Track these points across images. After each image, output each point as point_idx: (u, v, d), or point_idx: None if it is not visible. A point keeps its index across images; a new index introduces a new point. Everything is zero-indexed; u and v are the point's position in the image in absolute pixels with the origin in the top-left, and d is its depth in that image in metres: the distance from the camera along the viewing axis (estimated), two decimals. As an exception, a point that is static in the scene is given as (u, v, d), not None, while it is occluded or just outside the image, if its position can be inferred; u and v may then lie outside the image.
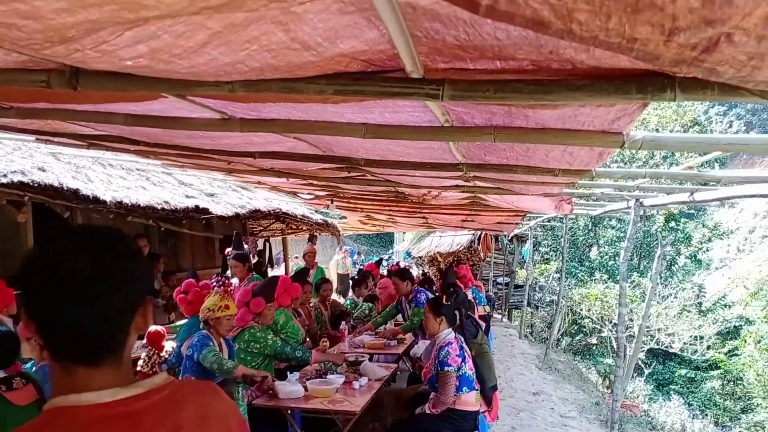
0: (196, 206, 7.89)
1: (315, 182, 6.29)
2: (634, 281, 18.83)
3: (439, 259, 19.68)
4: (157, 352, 5.10)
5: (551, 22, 0.77)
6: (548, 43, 1.17)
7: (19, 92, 2.26)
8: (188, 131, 2.80)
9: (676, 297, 17.35)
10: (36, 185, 5.37)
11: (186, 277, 5.66)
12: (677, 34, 0.72)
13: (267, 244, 13.29)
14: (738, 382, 17.80)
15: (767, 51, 0.73)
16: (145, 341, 5.57)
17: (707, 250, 23.50)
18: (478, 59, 1.40)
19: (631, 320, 14.37)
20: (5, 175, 5.15)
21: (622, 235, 22.00)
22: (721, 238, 24.25)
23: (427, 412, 4.39)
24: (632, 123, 1.92)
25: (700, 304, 19.28)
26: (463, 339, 4.57)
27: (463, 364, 4.32)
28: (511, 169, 3.21)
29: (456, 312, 4.63)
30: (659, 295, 16.57)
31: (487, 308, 9.13)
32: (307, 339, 6.07)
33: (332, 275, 15.85)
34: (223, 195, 9.27)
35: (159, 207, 7.02)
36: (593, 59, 1.24)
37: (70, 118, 2.61)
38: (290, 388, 4.29)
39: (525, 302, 14.58)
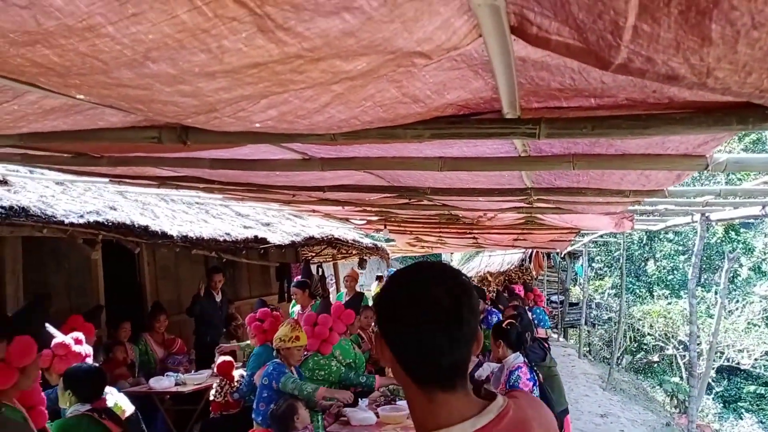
0: (255, 236, 8.10)
1: (369, 208, 6.39)
2: (697, 296, 18.18)
3: (489, 279, 19.47)
4: (228, 382, 5.23)
5: (685, 77, 0.81)
6: (653, 84, 1.21)
7: (116, 145, 2.41)
8: (267, 170, 2.92)
9: (742, 311, 16.66)
10: (110, 224, 5.63)
11: (257, 306, 5.83)
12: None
13: (320, 270, 13.47)
14: (813, 397, 16.90)
15: None
16: (215, 371, 5.75)
17: (771, 261, 22.51)
18: (573, 98, 1.45)
19: (699, 337, 13.88)
20: (82, 216, 5.43)
21: (679, 248, 21.33)
22: (786, 247, 23.19)
23: (499, 437, 4.34)
24: (718, 146, 1.92)
25: (768, 317, 18.45)
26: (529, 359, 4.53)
27: (534, 387, 4.28)
28: (580, 192, 3.21)
29: (519, 335, 4.60)
30: (725, 309, 15.96)
31: (549, 331, 8.99)
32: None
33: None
34: (278, 224, 9.49)
35: (221, 239, 7.24)
36: (695, 96, 1.27)
37: (159, 165, 2.77)
38: (362, 414, 4.34)
39: (582, 321, 14.27)
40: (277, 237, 8.74)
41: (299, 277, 7.79)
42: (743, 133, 22.44)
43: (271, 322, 5.19)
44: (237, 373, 5.38)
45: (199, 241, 6.82)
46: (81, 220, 5.36)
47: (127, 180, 4.39)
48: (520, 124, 1.51)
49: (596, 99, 1.44)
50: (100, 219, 5.57)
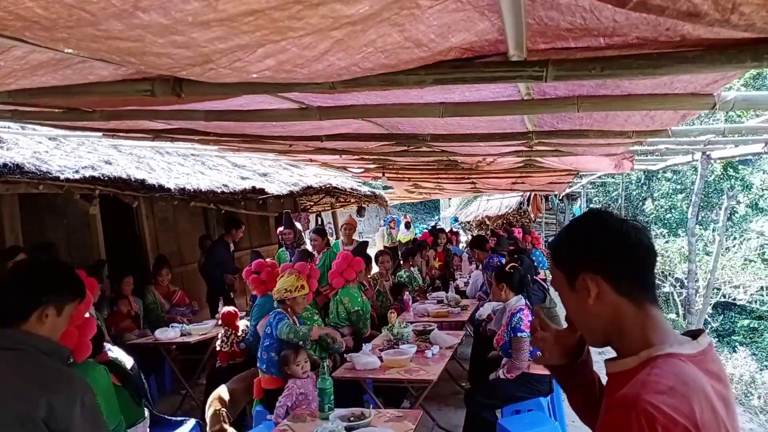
0: (253, 187, 8.06)
1: (366, 156, 6.33)
2: (695, 233, 18.29)
3: (488, 222, 19.56)
4: (233, 331, 5.30)
5: (708, 14, 0.77)
6: (667, 21, 1.16)
7: (108, 98, 2.35)
8: (263, 121, 2.86)
9: (740, 248, 16.82)
10: (106, 178, 5.57)
11: (252, 258, 5.85)
12: None
13: (319, 219, 13.50)
14: (805, 330, 17.27)
15: None
16: (219, 321, 5.82)
17: (768, 197, 22.58)
18: (581, 38, 1.39)
19: (696, 274, 14.05)
20: (77, 171, 5.36)
21: (678, 186, 21.33)
22: (783, 183, 23.22)
23: (502, 377, 4.45)
24: (726, 84, 1.87)
25: (764, 253, 18.63)
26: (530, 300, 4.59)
27: (535, 329, 4.35)
28: (582, 134, 3.16)
29: (521, 278, 4.64)
30: (722, 246, 16.12)
31: (548, 272, 9.08)
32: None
33: (378, 248, 15.82)
34: (276, 174, 9.43)
35: (219, 191, 7.20)
36: (710, 33, 1.22)
37: (153, 118, 2.71)
38: (367, 359, 4.42)
39: (580, 261, 14.40)
40: (275, 187, 8.70)
41: (281, 228, 7.85)
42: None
43: (268, 272, 5.22)
44: (242, 323, 5.45)
45: (197, 193, 6.78)
46: (77, 176, 5.30)
47: (121, 133, 4.31)
48: (526, 67, 1.46)
49: (606, 38, 1.38)
50: (95, 174, 5.51)
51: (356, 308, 5.39)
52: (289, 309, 4.35)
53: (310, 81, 1.40)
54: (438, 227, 14.11)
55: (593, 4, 1.09)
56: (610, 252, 1.21)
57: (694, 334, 1.21)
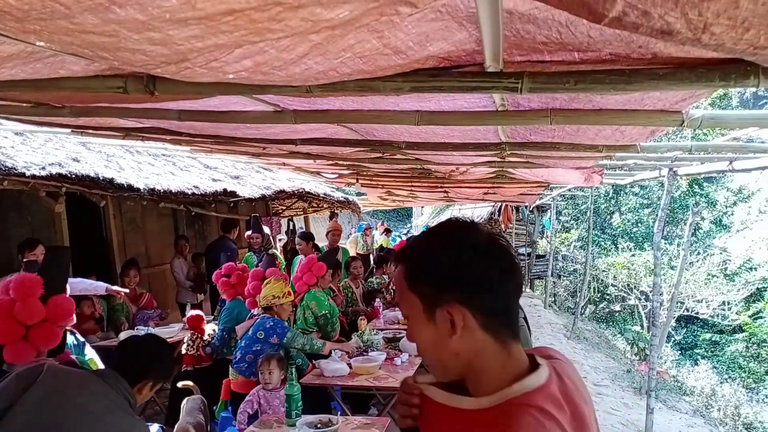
0: (224, 189, 7.99)
1: (341, 162, 6.31)
2: (661, 248, 18.71)
3: (460, 231, 19.65)
4: (199, 335, 5.23)
5: (680, 32, 0.79)
6: (639, 38, 1.19)
7: (78, 94, 2.30)
8: (237, 123, 2.83)
9: (703, 263, 17.26)
10: (73, 176, 5.46)
11: (222, 261, 5.78)
12: (816, 42, 0.74)
13: (291, 224, 13.42)
14: (762, 344, 17.76)
15: None
16: (186, 325, 5.73)
17: (731, 214, 23.27)
18: (556, 51, 1.41)
19: (660, 287, 14.35)
20: (44, 168, 5.24)
21: (644, 201, 21.81)
22: (746, 201, 23.96)
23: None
24: (695, 103, 1.92)
25: (726, 268, 19.16)
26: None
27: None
28: (554, 146, 3.21)
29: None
30: (687, 261, 16.50)
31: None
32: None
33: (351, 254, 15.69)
34: (248, 177, 9.36)
35: (189, 192, 7.11)
36: (681, 51, 1.25)
37: (124, 116, 2.66)
38: (335, 365, 4.40)
39: (549, 272, 14.61)
40: (246, 190, 8.63)
41: (267, 230, 7.78)
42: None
43: (238, 275, 5.18)
44: (209, 327, 5.37)
45: (167, 194, 6.69)
46: (43, 172, 5.18)
47: (91, 131, 4.23)
48: (502, 78, 1.48)
49: (580, 53, 1.41)
50: (62, 171, 5.39)
51: (323, 312, 5.36)
52: (275, 315, 4.34)
53: (286, 84, 1.39)
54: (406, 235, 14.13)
55: (569, 19, 1.11)
56: (484, 280, 1.03)
57: (534, 362, 1.09)
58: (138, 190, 6.20)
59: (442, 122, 2.39)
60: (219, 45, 0.97)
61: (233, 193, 8.09)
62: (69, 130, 4.57)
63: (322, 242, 9.55)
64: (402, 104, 2.25)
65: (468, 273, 1.02)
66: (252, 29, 0.89)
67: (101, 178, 5.75)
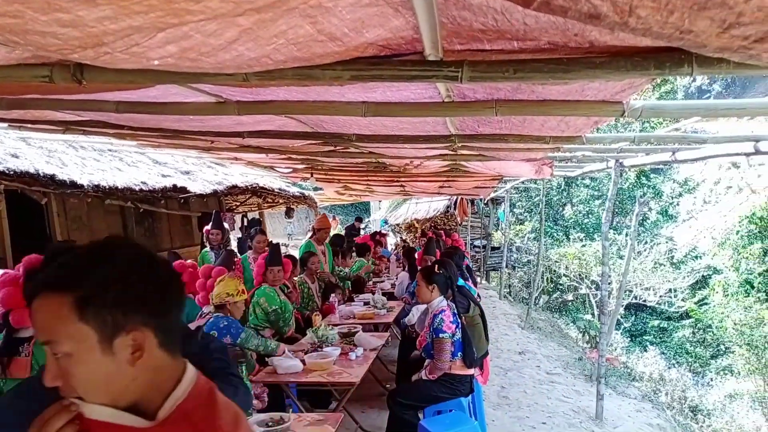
0: (174, 185, 7.80)
1: (294, 156, 6.24)
2: (609, 238, 19.22)
3: (417, 225, 19.78)
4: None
5: (607, 16, 0.78)
6: (575, 26, 1.19)
7: (7, 84, 2.18)
8: (179, 115, 2.75)
9: (650, 252, 17.81)
10: (11, 172, 5.23)
11: (171, 261, 5.63)
12: (736, 28, 0.74)
13: (245, 220, 13.21)
14: (708, 329, 18.48)
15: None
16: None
17: (677, 205, 24.12)
18: (496, 40, 1.40)
19: (610, 276, 14.75)
20: (-22, 164, 5.01)
21: (595, 193, 22.38)
22: (691, 192, 24.88)
23: (424, 378, 4.48)
24: (635, 93, 1.95)
25: (672, 257, 19.84)
26: (455, 307, 4.64)
27: (457, 330, 4.41)
28: (502, 138, 3.23)
29: (446, 279, 4.69)
30: (634, 250, 17.00)
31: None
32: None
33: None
34: (199, 172, 9.16)
35: (137, 188, 6.91)
36: (616, 40, 1.26)
37: (58, 108, 2.54)
38: (289, 362, 4.34)
39: (503, 264, 14.82)
40: (197, 186, 8.44)
41: (208, 227, 7.58)
42: (658, 83, 23.50)
43: (190, 274, 5.05)
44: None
45: (113, 191, 6.48)
46: (-23, 169, 4.94)
47: (28, 125, 4.04)
48: (442, 67, 1.46)
49: (519, 42, 1.40)
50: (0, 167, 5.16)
51: (274, 307, 5.28)
52: (228, 314, 4.22)
53: (219, 71, 1.34)
54: (381, 232, 14.08)
55: (504, 5, 1.10)
56: (165, 298, 0.99)
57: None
58: (81, 186, 5.98)
59: (389, 113, 2.37)
60: (136, 27, 0.91)
61: (183, 189, 7.90)
62: (6, 125, 4.37)
63: (278, 239, 9.39)
64: (348, 94, 2.22)
65: (150, 292, 0.96)
66: (168, 10, 0.84)
67: (42, 175, 5.53)
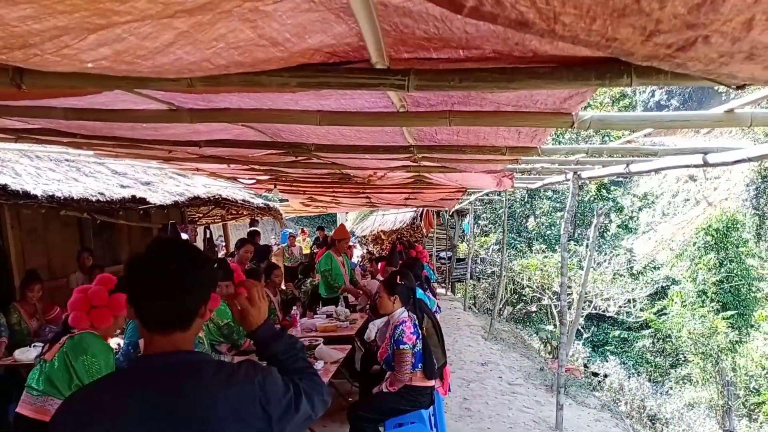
0: (133, 196, 7.61)
1: (257, 167, 6.18)
2: (570, 249, 19.54)
3: (383, 237, 19.80)
4: (104, 350, 4.93)
5: (535, 23, 0.79)
6: (515, 35, 1.20)
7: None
8: (130, 122, 2.69)
9: (609, 263, 18.16)
10: (-41, 183, 5.04)
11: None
12: (657, 35, 0.76)
13: (208, 231, 13.02)
14: (667, 339, 18.91)
15: (738, 50, 0.78)
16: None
17: (637, 218, 24.72)
18: (441, 49, 1.42)
19: (570, 287, 14.96)
20: (-77, 174, 4.81)
21: (557, 205, 22.78)
22: (650, 207, 25.54)
23: (385, 390, 4.46)
24: (583, 102, 1.99)
25: (632, 268, 20.28)
26: (416, 318, 4.64)
27: (417, 341, 4.40)
28: (460, 149, 3.26)
29: (408, 290, 4.69)
30: (594, 261, 17.31)
31: (435, 285, 9.31)
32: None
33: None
34: (160, 183, 8.98)
35: (94, 199, 6.73)
36: (556, 49, 1.28)
37: (4, 114, 2.46)
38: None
39: (468, 275, 14.92)
40: (158, 197, 8.27)
41: (185, 237, 7.46)
42: (617, 97, 24.13)
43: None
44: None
45: (69, 202, 6.29)
46: None
47: (-25, 133, 3.91)
48: (389, 75, 1.47)
49: (464, 51, 1.42)
50: (-54, 177, 4.97)
51: (225, 321, 5.19)
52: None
53: (159, 75, 1.31)
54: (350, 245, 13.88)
55: (443, 13, 1.11)
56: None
57: None
58: (35, 197, 5.80)
59: (344, 122, 2.37)
60: (63, 28, 0.89)
61: (143, 200, 7.73)
62: (-48, 133, 4.22)
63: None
64: (301, 102, 2.21)
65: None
66: (93, 10, 0.82)
67: (-8, 185, 5.35)
